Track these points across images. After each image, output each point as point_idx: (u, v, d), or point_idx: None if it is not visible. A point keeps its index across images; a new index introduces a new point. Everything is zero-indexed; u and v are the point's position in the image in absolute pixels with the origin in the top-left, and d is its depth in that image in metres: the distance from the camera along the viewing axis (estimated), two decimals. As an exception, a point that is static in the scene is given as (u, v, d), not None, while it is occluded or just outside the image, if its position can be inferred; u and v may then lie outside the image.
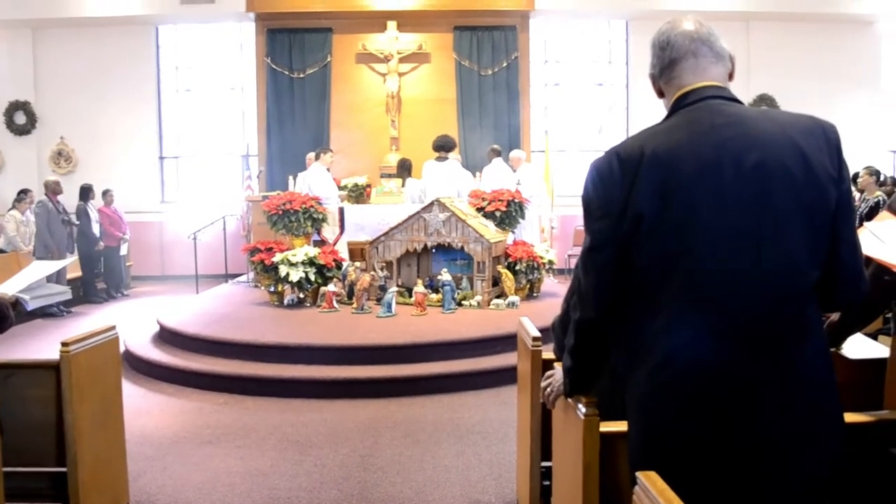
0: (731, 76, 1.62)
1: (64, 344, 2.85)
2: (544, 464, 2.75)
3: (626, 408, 1.60)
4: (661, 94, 1.65)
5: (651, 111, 10.27)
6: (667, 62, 1.60)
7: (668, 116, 1.59)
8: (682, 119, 1.53)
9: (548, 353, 2.51)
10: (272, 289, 6.80)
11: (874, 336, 3.38)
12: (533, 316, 3.26)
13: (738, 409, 1.43)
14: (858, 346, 2.38)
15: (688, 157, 1.45)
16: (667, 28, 1.61)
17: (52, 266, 3.01)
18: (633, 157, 1.48)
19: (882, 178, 8.43)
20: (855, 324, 2.19)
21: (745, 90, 10.62)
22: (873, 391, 2.18)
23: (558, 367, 1.95)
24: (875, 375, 2.19)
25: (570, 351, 1.71)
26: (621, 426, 1.81)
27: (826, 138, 1.49)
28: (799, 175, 1.44)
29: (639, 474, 1.21)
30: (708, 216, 1.44)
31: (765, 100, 10.96)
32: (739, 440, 1.43)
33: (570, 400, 1.90)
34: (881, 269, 1.86)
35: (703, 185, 1.44)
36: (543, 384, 2.01)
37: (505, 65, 10.84)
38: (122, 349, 5.77)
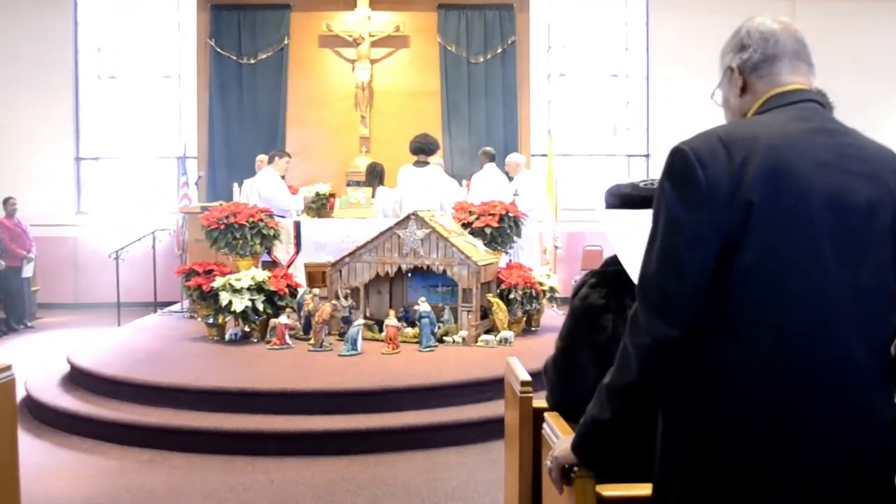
0: None
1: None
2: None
3: (657, 463, 1.64)
4: (742, 90, 1.76)
5: (677, 108, 10.46)
6: (768, 55, 1.73)
7: (764, 111, 1.71)
8: (789, 114, 1.66)
9: (540, 400, 2.54)
10: (211, 320, 6.78)
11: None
12: (529, 355, 3.29)
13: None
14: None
15: (805, 152, 1.58)
16: (766, 21, 1.76)
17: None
18: (743, 140, 1.58)
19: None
20: None
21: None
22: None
23: (562, 439, 1.92)
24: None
25: (617, 391, 1.66)
26: (627, 490, 1.83)
27: None
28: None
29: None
30: (820, 213, 1.55)
31: (820, 95, 11.12)
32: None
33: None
34: None
35: (817, 184, 1.56)
36: (548, 463, 1.94)
37: (499, 51, 10.98)
38: (20, 394, 5.75)
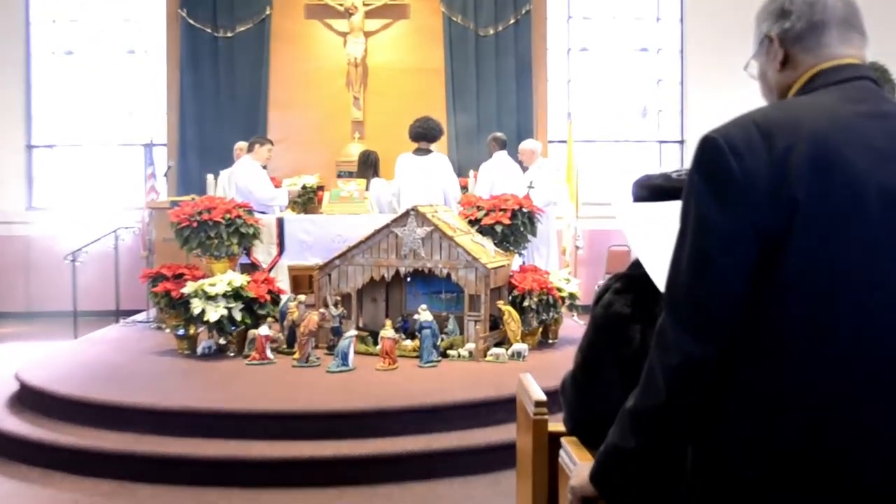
0: None
1: None
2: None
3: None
4: (784, 62, 1.74)
5: (716, 87, 10.43)
6: (814, 23, 1.70)
7: (807, 90, 1.69)
8: (838, 95, 1.63)
9: (556, 424, 2.53)
10: (181, 332, 6.79)
11: None
12: (546, 371, 3.29)
13: None
14: None
15: (857, 139, 1.55)
16: None
17: None
18: (784, 126, 1.55)
19: None
20: None
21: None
22: None
23: (583, 463, 1.92)
24: None
25: (642, 417, 1.64)
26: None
27: None
28: None
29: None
30: (873, 210, 1.51)
31: (876, 70, 11.12)
32: None
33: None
34: None
35: (872, 175, 1.52)
36: (568, 496, 1.93)
37: (512, 22, 10.98)
38: (-35, 416, 5.75)
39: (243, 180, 8.35)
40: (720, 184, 1.54)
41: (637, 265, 2.23)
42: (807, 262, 1.50)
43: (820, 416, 1.49)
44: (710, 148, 1.56)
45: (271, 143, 8.91)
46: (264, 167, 8.76)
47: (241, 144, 9.29)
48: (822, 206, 1.50)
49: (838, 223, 1.50)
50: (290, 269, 7.51)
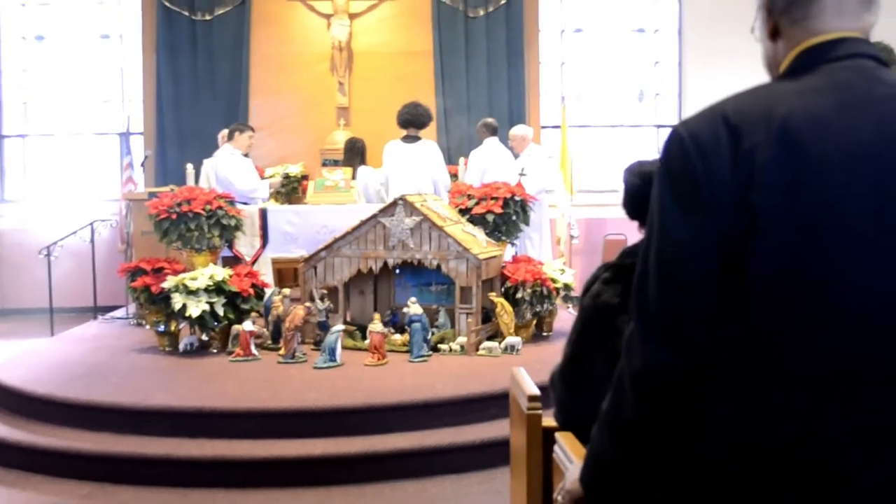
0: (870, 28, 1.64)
1: None
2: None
3: None
4: (774, 34, 1.66)
5: (716, 68, 10.44)
6: None
7: (792, 72, 1.60)
8: (823, 79, 1.54)
9: (551, 419, 2.57)
10: (162, 328, 6.80)
11: None
12: (539, 365, 3.32)
13: None
14: None
15: (836, 135, 1.47)
16: None
17: None
18: (753, 122, 1.48)
19: None
20: None
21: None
22: None
23: (574, 466, 1.94)
24: None
25: (615, 427, 1.63)
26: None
27: None
28: None
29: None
30: (856, 220, 1.44)
31: (883, 51, 11.17)
32: None
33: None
34: None
35: (853, 179, 1.45)
36: (558, 498, 1.96)
37: (503, 2, 10.98)
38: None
39: (223, 170, 8.35)
40: (683, 186, 1.50)
41: (627, 254, 2.26)
42: (771, 272, 1.45)
43: (798, 425, 1.46)
44: (675, 146, 1.53)
45: (252, 129, 8.89)
46: (246, 155, 8.76)
47: (225, 132, 9.28)
48: (788, 213, 1.44)
49: (808, 231, 1.44)
50: (274, 261, 7.53)
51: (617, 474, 1.65)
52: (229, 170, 8.37)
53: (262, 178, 9.15)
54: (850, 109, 1.49)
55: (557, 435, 2.37)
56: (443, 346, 6.53)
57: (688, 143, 1.50)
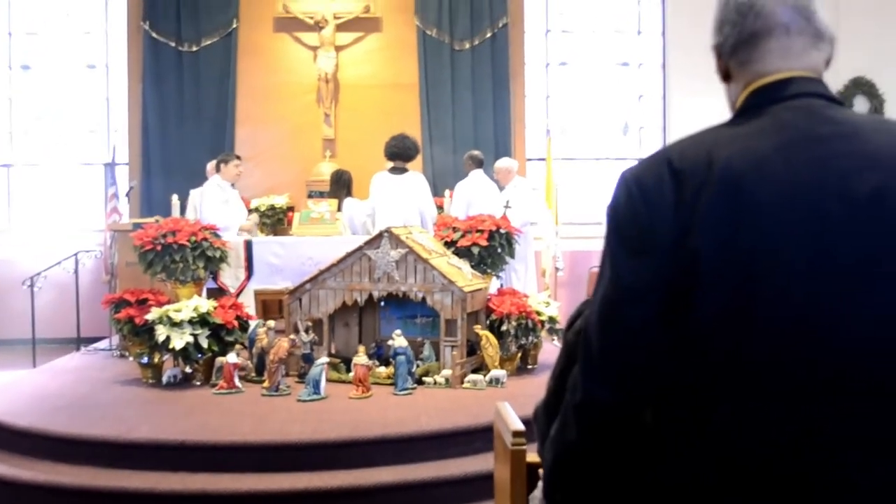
0: (827, 63, 1.65)
1: None
2: None
3: None
4: (726, 76, 1.68)
5: (700, 102, 10.49)
6: (746, 35, 1.61)
7: (740, 114, 1.62)
8: (767, 121, 1.55)
9: (534, 454, 2.58)
10: (145, 360, 6.78)
11: None
12: (524, 399, 3.34)
13: None
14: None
15: (775, 175, 1.47)
16: None
17: None
18: (696, 166, 1.50)
19: None
20: None
21: (831, 72, 10.91)
22: None
23: None
24: None
25: (558, 455, 1.68)
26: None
27: None
28: None
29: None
30: (795, 263, 1.45)
31: (861, 86, 11.28)
32: None
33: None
34: None
35: (793, 218, 1.45)
36: None
37: (489, 36, 11.09)
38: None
39: (210, 202, 8.38)
40: (628, 231, 1.53)
41: None
42: (712, 317, 1.46)
43: (781, 437, 1.45)
44: (622, 192, 1.56)
45: (238, 157, 8.89)
46: (233, 186, 8.77)
47: (214, 163, 9.27)
48: (727, 259, 1.45)
49: (748, 278, 1.44)
50: (259, 293, 7.53)
51: (565, 490, 1.69)
52: (205, 201, 8.38)
53: (248, 208, 9.16)
54: (791, 150, 1.49)
55: (542, 471, 2.38)
56: (427, 379, 6.53)
57: (633, 189, 1.54)
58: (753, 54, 1.61)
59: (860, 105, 11.13)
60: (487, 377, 6.53)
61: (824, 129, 1.52)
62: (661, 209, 1.49)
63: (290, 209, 9.59)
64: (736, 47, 1.63)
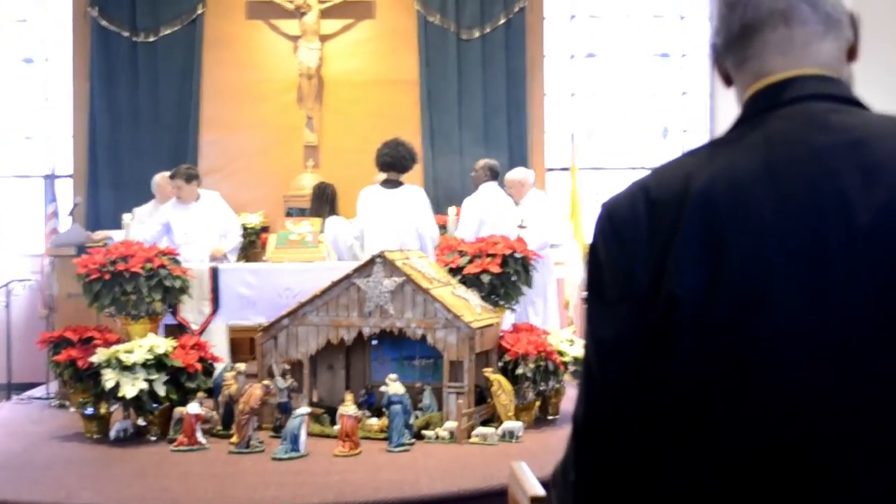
0: (852, 53, 1.62)
1: None
2: None
3: None
4: (728, 80, 1.69)
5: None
6: (738, 28, 1.60)
7: (735, 126, 1.59)
8: (758, 135, 1.52)
9: (554, 523, 2.56)
10: (90, 410, 6.78)
11: None
12: (545, 456, 3.33)
13: None
14: None
15: (762, 200, 1.45)
16: None
17: None
18: (672, 195, 1.49)
19: None
20: None
21: None
22: None
23: None
24: None
25: (560, 484, 1.73)
26: None
27: None
28: None
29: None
30: (787, 302, 1.43)
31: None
32: None
33: None
34: None
35: (781, 251, 1.43)
36: None
37: (502, 23, 11.12)
38: None
39: (172, 219, 8.45)
40: (602, 275, 1.54)
41: None
42: (692, 371, 1.46)
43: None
44: (598, 228, 1.57)
45: (198, 178, 8.84)
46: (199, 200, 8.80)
47: (161, 175, 9.26)
48: (707, 301, 1.43)
49: (730, 323, 1.43)
50: (229, 329, 7.53)
51: None
52: (178, 221, 8.47)
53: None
54: (777, 167, 1.47)
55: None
56: (428, 433, 6.50)
57: (606, 224, 1.55)
58: (748, 51, 1.59)
59: None
60: (500, 430, 6.51)
61: (819, 141, 1.47)
62: (636, 248, 1.49)
63: (265, 230, 9.61)
64: (729, 44, 1.62)
